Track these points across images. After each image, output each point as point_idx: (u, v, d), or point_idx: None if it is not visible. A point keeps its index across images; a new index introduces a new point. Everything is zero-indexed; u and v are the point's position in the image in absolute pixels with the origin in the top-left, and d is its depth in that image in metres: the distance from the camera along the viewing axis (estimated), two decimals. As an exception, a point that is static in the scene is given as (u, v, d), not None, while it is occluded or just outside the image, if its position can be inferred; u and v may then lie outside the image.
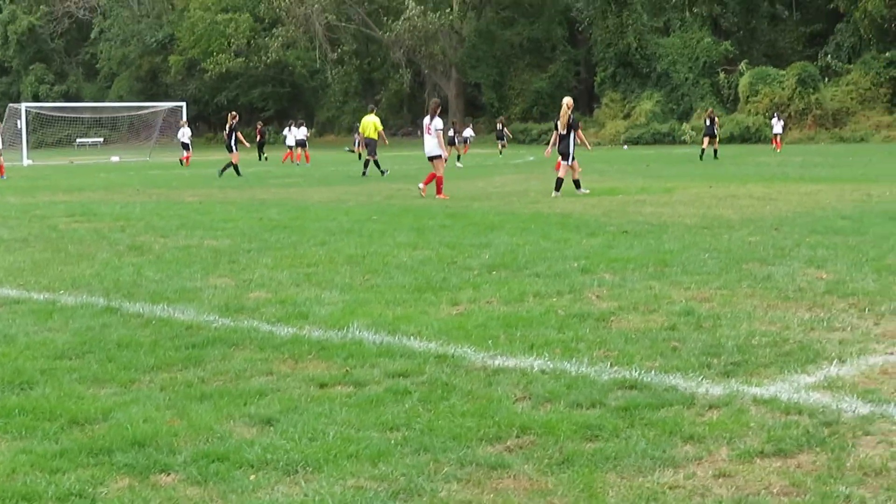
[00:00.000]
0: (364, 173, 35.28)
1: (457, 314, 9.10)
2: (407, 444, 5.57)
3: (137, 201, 24.25)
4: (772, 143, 57.23)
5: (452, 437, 5.66)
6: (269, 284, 10.99)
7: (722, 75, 77.38)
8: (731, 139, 68.27)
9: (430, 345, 7.87)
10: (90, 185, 33.18)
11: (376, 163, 35.67)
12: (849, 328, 8.17)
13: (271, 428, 5.92)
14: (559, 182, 23.62)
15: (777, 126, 56.55)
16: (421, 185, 23.98)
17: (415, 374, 7.05)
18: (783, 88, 71.26)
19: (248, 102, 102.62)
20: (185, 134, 53.33)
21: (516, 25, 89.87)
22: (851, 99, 71.22)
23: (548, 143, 28.22)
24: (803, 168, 34.41)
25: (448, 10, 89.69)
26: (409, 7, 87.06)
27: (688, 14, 79.75)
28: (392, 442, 5.60)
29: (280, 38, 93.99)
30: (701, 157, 42.61)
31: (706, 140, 44.01)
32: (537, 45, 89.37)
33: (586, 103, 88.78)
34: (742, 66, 75.15)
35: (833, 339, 7.79)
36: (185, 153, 51.65)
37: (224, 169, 36.77)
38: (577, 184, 24.08)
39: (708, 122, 44.52)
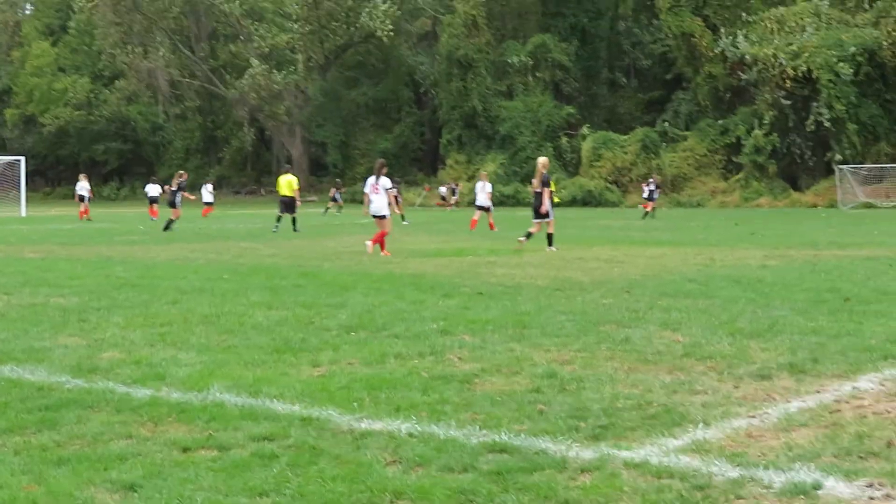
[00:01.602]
0: (295, 229, 35.96)
1: (318, 376, 8.95)
2: (279, 510, 5.42)
3: (-25, 257, 23.49)
4: (644, 206, 54.82)
5: (324, 502, 5.53)
6: (122, 344, 10.68)
7: (564, 139, 78.84)
8: (573, 202, 69.51)
9: (294, 407, 7.71)
10: (-77, 239, 32.05)
11: (291, 219, 36.48)
12: (710, 391, 8.25)
13: (135, 494, 5.70)
14: (549, 237, 25.20)
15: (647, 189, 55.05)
16: (368, 243, 23.98)
17: (280, 437, 6.89)
18: (626, 153, 73.00)
19: (89, 158, 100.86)
20: (83, 188, 53.23)
21: (361, 86, 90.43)
22: (688, 165, 73.35)
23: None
24: (646, 231, 35.14)
25: (293, 69, 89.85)
26: (254, 65, 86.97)
27: (530, 78, 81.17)
28: (263, 508, 5.44)
29: (120, 92, 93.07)
30: (644, 217, 47.26)
31: (651, 204, 48.43)
32: (382, 106, 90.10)
33: (430, 164, 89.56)
34: (584, 129, 76.68)
35: (696, 403, 7.85)
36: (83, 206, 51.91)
37: (168, 224, 38.15)
38: (549, 239, 25.23)
39: (653, 187, 48.93)
